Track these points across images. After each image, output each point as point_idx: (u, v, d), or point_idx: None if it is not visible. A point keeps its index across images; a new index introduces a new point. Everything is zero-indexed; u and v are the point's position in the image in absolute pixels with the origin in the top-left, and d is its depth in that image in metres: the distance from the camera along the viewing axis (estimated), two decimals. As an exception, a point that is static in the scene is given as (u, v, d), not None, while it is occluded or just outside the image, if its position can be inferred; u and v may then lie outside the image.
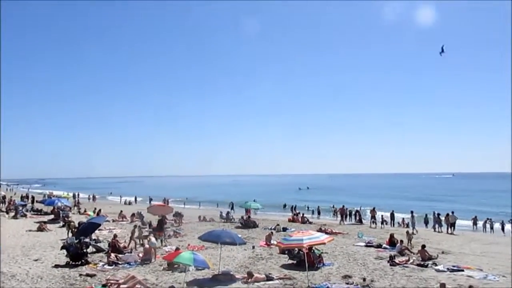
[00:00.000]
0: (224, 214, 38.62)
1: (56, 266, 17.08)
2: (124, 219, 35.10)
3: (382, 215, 36.90)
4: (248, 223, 32.11)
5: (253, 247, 21.94)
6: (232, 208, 46.05)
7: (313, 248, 17.46)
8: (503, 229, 33.84)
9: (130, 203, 61.65)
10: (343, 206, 39.87)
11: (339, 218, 39.09)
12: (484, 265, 18.56)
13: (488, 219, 35.86)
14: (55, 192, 69.77)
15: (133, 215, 35.38)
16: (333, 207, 47.82)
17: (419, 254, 19.46)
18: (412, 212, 34.29)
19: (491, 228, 34.59)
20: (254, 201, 43.26)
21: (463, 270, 16.92)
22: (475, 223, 35.67)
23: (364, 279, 15.02)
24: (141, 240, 21.86)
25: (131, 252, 19.49)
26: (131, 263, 17.46)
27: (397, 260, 18.41)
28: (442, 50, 33.49)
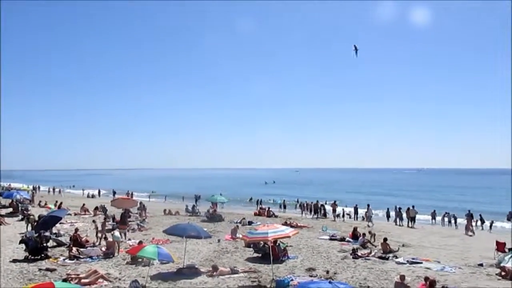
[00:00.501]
0: (189, 208, 38.38)
1: (14, 261, 16.49)
2: (86, 213, 34.30)
3: (343, 209, 37.78)
4: (214, 217, 32.04)
5: (219, 240, 21.93)
6: (197, 202, 45.76)
7: (278, 242, 17.64)
8: (455, 222, 35.13)
9: (93, 196, 60.25)
10: (317, 201, 40.44)
11: (305, 211, 39.81)
12: (441, 257, 19.27)
13: (446, 213, 37.13)
14: (13, 185, 67.36)
15: (96, 208, 34.59)
16: (297, 201, 48.51)
17: (380, 247, 19.99)
18: (368, 205, 35.15)
19: (449, 222, 35.87)
20: (220, 194, 43.18)
21: (421, 262, 17.54)
22: (433, 217, 36.87)
23: (328, 272, 15.31)
24: (103, 234, 21.44)
25: (93, 246, 19.08)
26: (93, 257, 17.10)
27: (359, 253, 18.85)
28: (355, 49, 30.26)
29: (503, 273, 15.26)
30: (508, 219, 34.68)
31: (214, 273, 14.55)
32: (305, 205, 41.32)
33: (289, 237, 14.51)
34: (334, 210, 36.94)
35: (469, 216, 33.40)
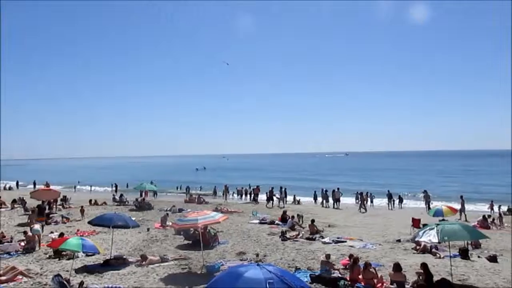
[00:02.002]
0: (117, 197, 37.17)
1: None
2: (3, 206, 31.93)
3: (266, 193, 38.74)
4: (142, 205, 31.32)
5: (148, 229, 21.49)
6: (116, 190, 44.18)
7: (209, 228, 17.66)
8: (371, 201, 37.60)
9: (10, 188, 56.24)
10: (257, 186, 40.95)
11: (236, 197, 40.40)
12: (364, 236, 20.43)
13: (367, 193, 39.24)
14: None
15: (14, 201, 32.30)
16: (226, 186, 48.92)
17: (308, 229, 20.73)
18: (281, 187, 36.44)
19: (371, 202, 38.02)
20: (151, 183, 42.25)
21: (346, 241, 18.49)
22: (357, 198, 38.87)
23: (257, 255, 15.61)
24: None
25: (11, 241, 17.85)
26: (12, 253, 16.03)
27: (288, 235, 19.41)
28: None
29: (417, 247, 16.56)
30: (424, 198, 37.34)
31: (143, 262, 14.25)
32: (238, 190, 42.03)
33: (219, 222, 14.51)
34: (256, 194, 37.99)
35: (388, 196, 35.74)
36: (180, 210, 29.51)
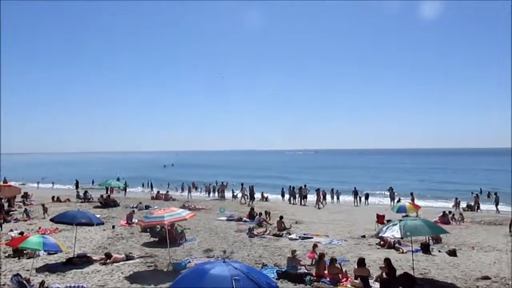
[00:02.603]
0: (81, 194, 36.26)
1: None
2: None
3: (232, 190, 38.85)
4: (108, 202, 30.69)
5: (113, 226, 21.09)
6: (77, 187, 43.17)
7: (176, 225, 17.50)
8: (337, 198, 38.37)
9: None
10: (223, 182, 40.88)
11: (204, 193, 40.27)
12: (330, 232, 20.77)
13: (332, 189, 39.86)
14: None
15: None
16: (193, 183, 48.68)
17: (276, 225, 20.87)
18: (242, 184, 36.94)
19: (338, 198, 38.65)
20: (117, 179, 41.44)
21: (312, 237, 18.74)
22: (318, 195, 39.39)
23: (225, 252, 15.60)
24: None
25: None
26: (-33, 253, 15.39)
27: (255, 231, 19.48)
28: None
29: (381, 243, 16.98)
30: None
31: (108, 260, 13.99)
32: (207, 187, 41.88)
33: (185, 219, 14.41)
34: (222, 191, 38.32)
35: (354, 193, 36.42)
36: (147, 207, 29.10)
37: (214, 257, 14.57)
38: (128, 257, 14.52)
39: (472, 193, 36.77)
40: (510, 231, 20.38)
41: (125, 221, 22.45)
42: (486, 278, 12.32)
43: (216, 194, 39.91)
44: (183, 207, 25.66)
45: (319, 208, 32.40)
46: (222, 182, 40.08)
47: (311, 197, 35.72)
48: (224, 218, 24.51)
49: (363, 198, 37.27)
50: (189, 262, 13.80)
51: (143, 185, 53.25)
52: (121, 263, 13.97)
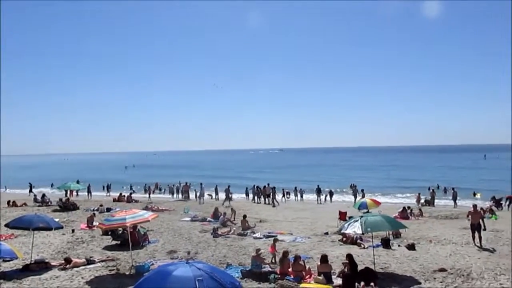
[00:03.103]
0: (39, 198, 35.00)
1: None
2: None
3: (195, 190, 38.64)
4: (67, 206, 29.75)
5: (73, 230, 20.48)
6: (30, 190, 41.70)
7: (138, 227, 17.20)
8: (301, 196, 38.95)
9: None
10: (186, 183, 40.37)
11: (167, 195, 39.77)
12: (294, 229, 21.00)
13: (296, 188, 40.34)
14: None
15: None
16: (157, 184, 48.11)
17: (240, 224, 20.89)
18: (201, 183, 37.19)
19: (301, 196, 39.14)
20: (77, 182, 40.28)
21: (276, 236, 18.79)
22: (288, 193, 39.80)
23: (189, 252, 15.47)
24: None
25: None
26: None
27: (219, 231, 19.43)
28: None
29: (344, 239, 17.34)
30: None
31: (67, 265, 13.56)
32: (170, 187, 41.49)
33: (148, 221, 14.18)
34: (186, 191, 38.10)
35: (318, 191, 36.95)
36: (108, 210, 28.44)
37: (178, 259, 14.42)
38: (89, 262, 14.13)
39: (429, 188, 38.08)
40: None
41: (86, 225, 21.87)
42: (443, 270, 12.79)
43: (180, 195, 39.52)
44: (146, 208, 25.29)
45: (273, 206, 32.45)
46: (186, 183, 39.76)
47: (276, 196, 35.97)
48: (188, 219, 24.30)
49: (328, 196, 37.89)
50: (152, 264, 13.59)
51: (103, 188, 51.91)
52: (81, 267, 13.58)
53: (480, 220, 16.80)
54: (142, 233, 17.71)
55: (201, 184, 37.18)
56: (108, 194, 44.02)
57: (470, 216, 17.04)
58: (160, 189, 47.67)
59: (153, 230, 20.13)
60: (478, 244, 16.17)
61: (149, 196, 39.86)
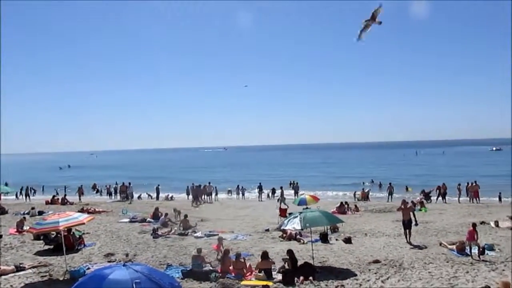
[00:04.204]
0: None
1: None
2: None
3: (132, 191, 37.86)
4: (-6, 210, 27.87)
5: (1, 236, 19.21)
6: None
7: (73, 230, 16.48)
8: (242, 194, 39.21)
9: None
10: (123, 183, 38.91)
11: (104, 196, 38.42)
12: (235, 227, 21.09)
13: (238, 186, 40.53)
14: None
15: None
16: (95, 185, 46.35)
17: (182, 224, 20.65)
18: (129, 183, 37.08)
19: (243, 194, 39.36)
20: (5, 184, 37.81)
21: (217, 234, 18.78)
22: (229, 192, 39.91)
23: (127, 255, 15.07)
24: None
25: None
26: None
27: (160, 232, 19.08)
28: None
29: (284, 235, 17.66)
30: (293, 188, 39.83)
31: (-6, 273, 12.73)
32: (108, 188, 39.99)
33: (83, 223, 13.62)
34: (123, 191, 36.77)
35: (259, 188, 37.34)
36: (40, 213, 26.89)
37: (116, 261, 13.99)
38: (19, 268, 13.33)
39: (363, 183, 39.70)
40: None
41: (15, 229, 20.55)
42: (377, 261, 13.41)
43: (118, 195, 38.24)
44: (82, 210, 24.31)
45: (196, 206, 32.16)
46: (123, 183, 38.50)
47: (220, 195, 35.98)
48: (127, 220, 23.60)
49: (270, 193, 38.35)
50: (88, 268, 13.09)
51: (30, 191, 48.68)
52: (10, 275, 12.78)
53: (411, 216, 16.75)
54: (77, 236, 16.99)
55: (129, 183, 36.72)
56: (28, 197, 40.41)
57: (401, 212, 16.90)
58: (97, 191, 45.94)
59: (90, 233, 19.34)
60: (409, 241, 16.18)
61: (80, 198, 37.36)
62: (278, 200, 31.53)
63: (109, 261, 14.22)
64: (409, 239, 16.31)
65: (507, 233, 17.75)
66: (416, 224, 17.27)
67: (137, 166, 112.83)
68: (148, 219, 23.29)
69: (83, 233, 18.06)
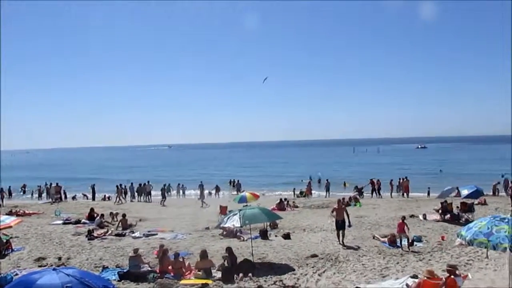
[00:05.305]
0: None
1: None
2: None
3: (64, 190, 36.31)
4: None
5: None
6: None
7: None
8: (183, 192, 38.88)
9: None
10: (57, 183, 36.81)
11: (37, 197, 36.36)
12: (176, 227, 20.79)
13: (179, 184, 39.95)
14: None
15: None
16: (24, 186, 43.84)
17: (120, 224, 20.07)
18: (51, 183, 36.13)
19: (183, 193, 38.87)
20: None
21: (157, 234, 18.51)
22: (169, 190, 39.18)
23: (60, 258, 14.40)
24: None
25: None
26: None
27: (95, 233, 18.40)
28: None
29: (224, 233, 17.68)
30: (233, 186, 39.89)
31: None
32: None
33: (11, 227, 12.88)
34: (57, 192, 34.86)
35: (201, 186, 37.02)
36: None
37: (47, 266, 13.32)
38: None
39: (302, 180, 40.57)
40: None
41: None
42: (314, 256, 13.82)
43: (50, 197, 36.27)
44: (10, 213, 22.89)
45: (117, 203, 31.47)
46: (57, 183, 36.59)
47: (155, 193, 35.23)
48: (60, 222, 22.48)
49: (212, 191, 38.16)
50: (16, 274, 12.33)
51: None
52: None
53: (345, 216, 15.69)
54: (4, 240, 15.93)
55: (50, 183, 35.42)
56: None
57: (334, 213, 15.81)
58: (25, 192, 43.43)
59: (18, 236, 18.23)
60: (344, 244, 15.31)
61: (2, 201, 34.88)
62: (198, 199, 31.78)
63: (39, 266, 13.50)
64: (342, 240, 15.54)
65: (434, 225, 18.98)
66: (350, 225, 16.23)
67: (72, 165, 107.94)
68: (83, 220, 22.37)
69: (11, 237, 16.97)
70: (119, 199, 32.50)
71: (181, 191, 39.04)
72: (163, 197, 32.97)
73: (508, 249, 7.37)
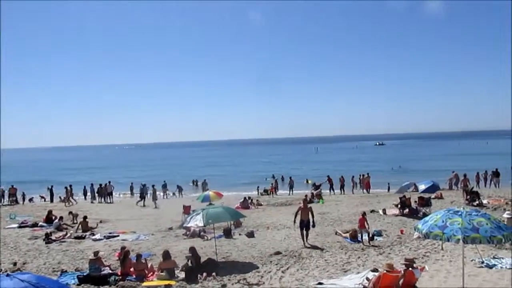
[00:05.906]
0: None
1: None
2: None
3: (23, 192, 34.94)
4: None
5: None
6: None
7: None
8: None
9: None
10: (12, 185, 35.17)
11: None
12: (137, 228, 20.40)
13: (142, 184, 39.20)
14: None
15: None
16: None
17: (80, 227, 19.51)
18: (12, 185, 34.68)
19: (146, 193, 38.10)
20: None
21: (118, 235, 18.12)
22: (131, 190, 38.39)
23: (15, 264, 13.82)
24: None
25: None
26: None
27: (53, 236, 17.81)
28: None
29: (188, 233, 17.52)
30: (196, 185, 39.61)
31: None
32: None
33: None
34: (13, 194, 33.42)
35: (163, 186, 36.62)
36: None
37: (1, 272, 12.75)
38: None
39: (266, 179, 40.79)
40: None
41: None
42: (278, 253, 13.92)
43: (6, 198, 34.74)
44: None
45: (66, 205, 30.33)
46: (12, 185, 35.06)
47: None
48: (16, 226, 21.59)
49: (176, 191, 37.71)
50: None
51: None
52: None
53: (310, 216, 15.19)
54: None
55: (11, 186, 34.10)
56: None
57: (300, 212, 15.33)
58: None
59: (-31, 242, 17.40)
60: (308, 244, 15.01)
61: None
62: (142, 198, 31.31)
63: (-8, 272, 12.93)
64: (307, 240, 15.20)
65: (393, 219, 19.55)
66: (314, 226, 15.43)
67: (30, 166, 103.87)
68: (41, 223, 21.56)
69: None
70: (68, 200, 31.49)
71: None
72: (142, 198, 31.79)
73: (461, 241, 7.65)
